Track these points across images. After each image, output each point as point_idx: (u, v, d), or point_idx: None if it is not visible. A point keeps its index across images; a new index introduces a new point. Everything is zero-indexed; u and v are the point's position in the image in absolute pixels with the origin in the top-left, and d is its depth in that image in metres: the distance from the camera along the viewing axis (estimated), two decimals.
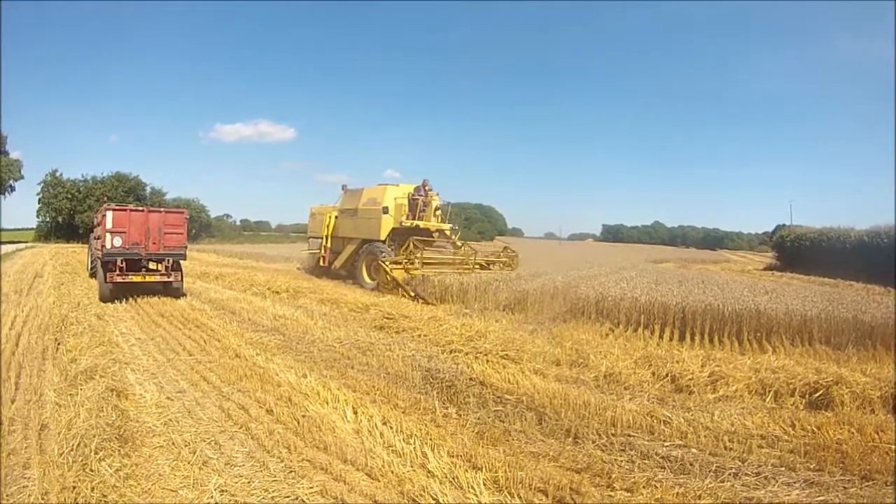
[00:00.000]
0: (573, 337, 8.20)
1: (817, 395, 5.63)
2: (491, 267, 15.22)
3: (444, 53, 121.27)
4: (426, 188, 15.19)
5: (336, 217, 16.61)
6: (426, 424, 4.69)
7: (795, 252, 31.35)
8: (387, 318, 9.39)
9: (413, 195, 14.87)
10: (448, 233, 15.69)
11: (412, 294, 12.24)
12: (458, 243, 15.85)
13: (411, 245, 13.44)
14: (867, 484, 3.83)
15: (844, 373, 5.95)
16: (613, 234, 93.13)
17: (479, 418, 4.92)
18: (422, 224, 14.82)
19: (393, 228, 14.61)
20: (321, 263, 16.98)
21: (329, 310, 10.76)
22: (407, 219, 14.59)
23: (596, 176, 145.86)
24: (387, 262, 13.16)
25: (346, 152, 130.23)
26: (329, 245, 16.80)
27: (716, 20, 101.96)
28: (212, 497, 3.44)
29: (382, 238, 14.53)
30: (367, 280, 14.60)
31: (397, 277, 12.76)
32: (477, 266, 14.63)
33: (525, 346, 7.34)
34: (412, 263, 13.20)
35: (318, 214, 18.01)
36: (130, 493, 3.41)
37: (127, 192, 43.34)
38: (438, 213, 15.70)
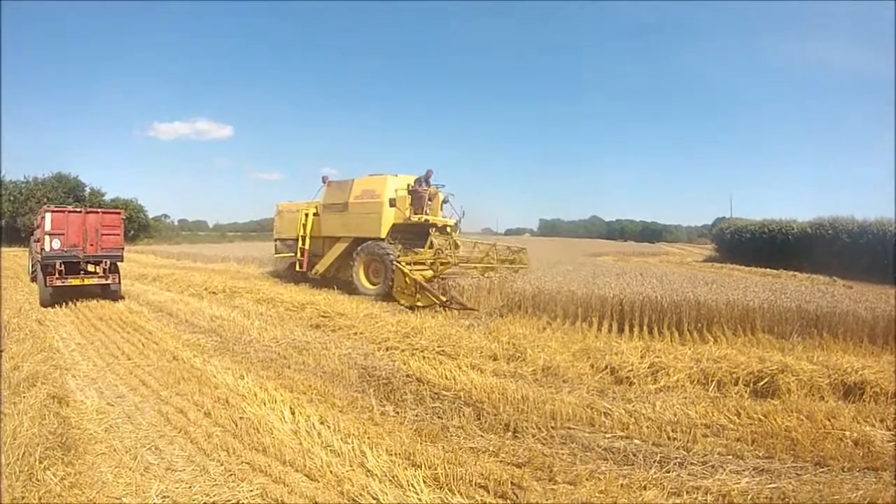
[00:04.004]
0: (510, 331, 8.05)
1: (762, 383, 5.67)
2: (496, 267, 13.48)
3: (379, 52, 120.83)
4: (429, 179, 13.12)
5: (315, 214, 14.48)
6: (364, 423, 4.68)
7: (736, 244, 31.84)
8: (322, 317, 9.33)
9: (414, 186, 12.88)
10: (449, 230, 13.69)
11: (443, 300, 10.52)
12: (459, 241, 13.79)
13: (436, 243, 11.93)
14: (822, 470, 3.86)
15: (790, 361, 6.02)
16: (551, 229, 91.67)
17: (416, 415, 4.93)
18: (431, 219, 12.90)
19: (394, 224, 12.71)
20: (298, 268, 14.81)
21: (265, 309, 10.61)
22: (413, 213, 12.62)
23: (533, 170, 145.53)
24: (403, 264, 11.28)
25: (282, 150, 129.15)
26: (307, 247, 14.64)
27: (655, 15, 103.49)
28: (154, 503, 3.42)
29: (383, 235, 12.56)
30: (368, 286, 12.61)
31: (420, 281, 10.92)
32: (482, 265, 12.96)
33: (461, 341, 7.30)
34: (444, 264, 11.44)
35: (287, 212, 15.81)
36: (75, 501, 3.38)
37: (67, 192, 42.01)
38: (443, 207, 13.79)
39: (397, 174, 13.12)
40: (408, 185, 12.86)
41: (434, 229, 12.95)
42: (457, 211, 13.53)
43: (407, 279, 11.01)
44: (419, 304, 10.73)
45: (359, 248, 12.90)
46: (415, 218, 12.55)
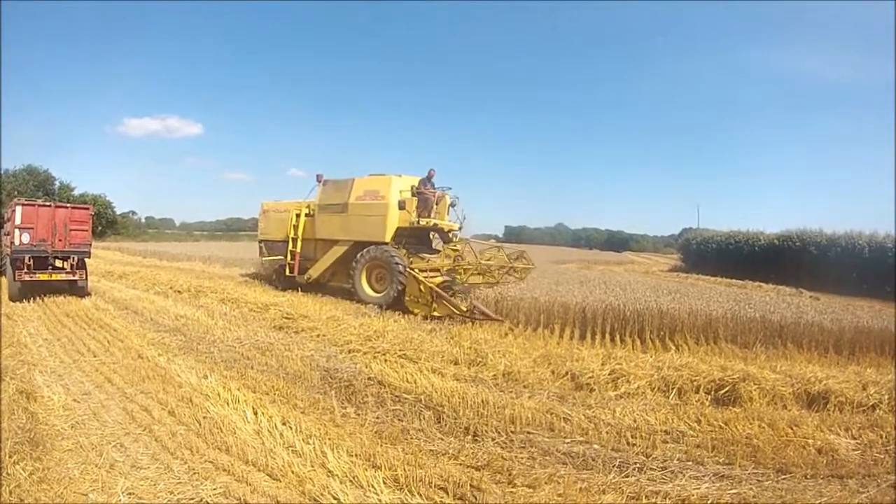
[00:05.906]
0: (472, 336, 8.06)
1: (723, 391, 5.75)
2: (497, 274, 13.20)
3: (348, 53, 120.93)
4: (431, 179, 12.42)
5: (308, 215, 13.56)
6: (325, 424, 4.73)
7: (702, 254, 32.24)
8: (286, 318, 9.33)
9: (419, 188, 12.14)
10: (452, 234, 13.02)
11: (463, 310, 9.87)
12: (459, 246, 12.79)
13: (463, 247, 11.30)
14: (784, 477, 3.93)
15: (752, 370, 6.12)
16: (516, 236, 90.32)
17: (377, 417, 4.99)
18: (439, 223, 12.33)
19: (398, 228, 11.97)
20: (288, 273, 13.74)
21: (229, 309, 10.49)
22: (419, 216, 11.90)
23: (500, 176, 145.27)
24: (417, 270, 10.60)
25: (251, 150, 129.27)
26: (298, 249, 13.60)
27: (625, 23, 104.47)
28: (119, 500, 3.46)
29: (387, 239, 11.81)
30: (371, 293, 11.83)
31: (436, 290, 10.26)
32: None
33: (423, 345, 7.37)
34: (463, 271, 10.83)
35: (274, 212, 14.68)
36: (45, 497, 3.43)
37: (37, 186, 41.49)
38: (449, 210, 13.06)
39: (401, 174, 12.39)
40: (412, 187, 12.18)
41: (434, 234, 12.56)
42: (459, 215, 12.90)
43: (421, 287, 10.36)
44: (436, 314, 10.15)
45: (361, 252, 12.07)
46: (423, 221, 11.92)
